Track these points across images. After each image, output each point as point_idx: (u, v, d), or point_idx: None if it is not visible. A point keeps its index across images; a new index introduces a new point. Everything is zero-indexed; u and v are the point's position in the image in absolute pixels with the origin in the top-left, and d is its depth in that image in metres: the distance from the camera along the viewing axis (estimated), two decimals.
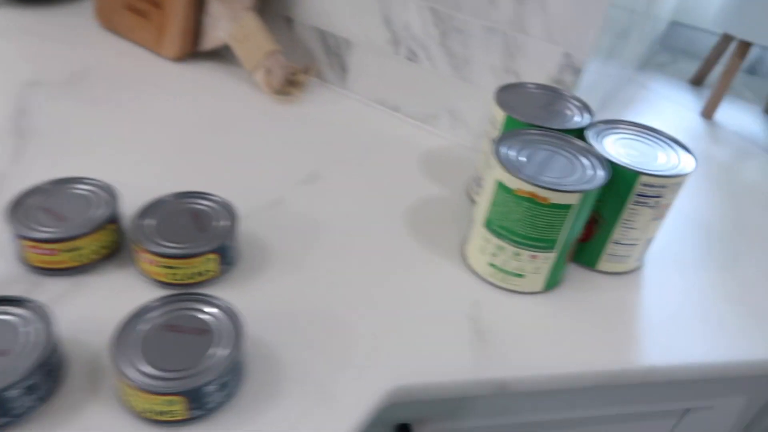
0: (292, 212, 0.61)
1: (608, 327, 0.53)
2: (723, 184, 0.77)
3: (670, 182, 0.53)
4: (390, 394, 0.46)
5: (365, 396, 0.45)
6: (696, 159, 0.55)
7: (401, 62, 0.76)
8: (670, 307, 0.57)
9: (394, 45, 0.75)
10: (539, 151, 0.53)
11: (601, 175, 0.51)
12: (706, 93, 0.89)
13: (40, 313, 0.42)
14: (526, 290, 0.55)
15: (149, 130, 0.70)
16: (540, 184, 0.48)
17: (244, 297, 0.50)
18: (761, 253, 0.66)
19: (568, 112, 0.60)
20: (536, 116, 0.58)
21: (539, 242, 0.51)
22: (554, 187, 0.48)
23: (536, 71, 0.67)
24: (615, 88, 0.90)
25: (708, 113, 0.89)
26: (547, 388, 0.50)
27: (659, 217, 0.56)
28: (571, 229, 0.51)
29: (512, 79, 0.69)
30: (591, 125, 0.58)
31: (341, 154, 0.71)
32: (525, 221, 0.50)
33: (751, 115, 0.94)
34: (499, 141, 0.53)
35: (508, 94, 0.61)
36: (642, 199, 0.53)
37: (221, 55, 0.84)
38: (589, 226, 0.57)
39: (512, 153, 0.52)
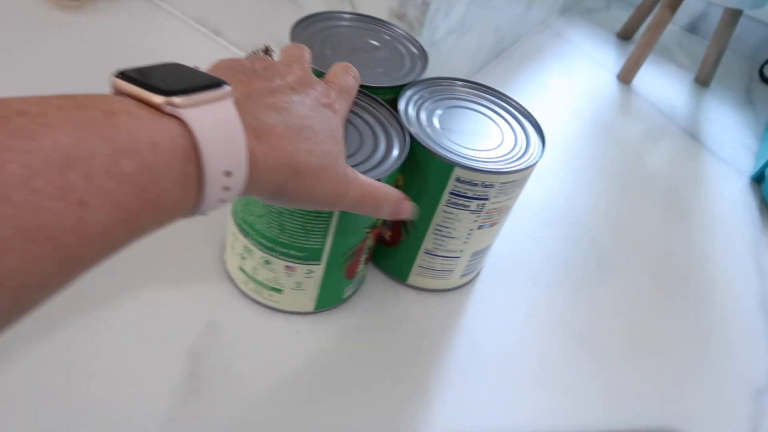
0: None
1: (393, 371, 0.38)
2: (620, 172, 0.61)
3: (499, 180, 0.36)
4: None
5: None
6: (544, 147, 0.39)
7: None
8: (495, 344, 0.42)
9: None
10: None
11: (392, 161, 0.34)
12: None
13: None
14: (289, 309, 0.39)
15: None
16: None
17: None
18: (645, 267, 0.51)
19: (395, 61, 0.43)
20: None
21: (294, 251, 0.35)
22: None
23: (375, 1, 0.49)
24: (515, 34, 0.72)
25: (625, 77, 0.72)
26: None
27: (488, 224, 0.40)
28: (342, 236, 0.35)
29: (347, 7, 0.51)
30: (412, 84, 0.41)
31: None
32: (269, 219, 0.34)
33: (679, 82, 0.77)
34: None
35: (313, 29, 0.43)
36: (459, 200, 0.37)
37: None
38: (396, 226, 0.41)
39: None
